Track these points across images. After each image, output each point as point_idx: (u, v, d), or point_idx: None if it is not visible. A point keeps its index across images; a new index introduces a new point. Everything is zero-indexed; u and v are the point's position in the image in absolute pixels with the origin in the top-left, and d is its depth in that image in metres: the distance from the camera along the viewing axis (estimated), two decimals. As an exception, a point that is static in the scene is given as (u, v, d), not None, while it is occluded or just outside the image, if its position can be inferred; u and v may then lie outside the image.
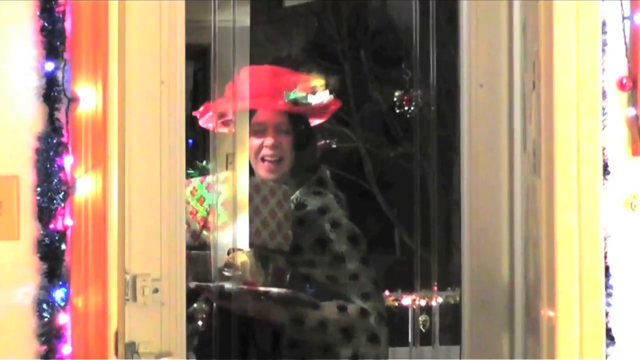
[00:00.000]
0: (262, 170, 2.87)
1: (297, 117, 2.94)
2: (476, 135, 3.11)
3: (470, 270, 3.12)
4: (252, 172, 2.91)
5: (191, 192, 2.80)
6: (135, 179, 2.20)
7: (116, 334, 1.86)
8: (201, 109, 2.94)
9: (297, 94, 2.92)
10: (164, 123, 2.40)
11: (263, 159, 2.87)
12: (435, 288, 3.66)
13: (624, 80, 1.97)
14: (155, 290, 2.24)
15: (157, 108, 2.37)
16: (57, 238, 1.84)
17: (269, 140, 2.86)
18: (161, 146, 2.39)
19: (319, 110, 2.98)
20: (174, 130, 2.41)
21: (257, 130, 2.88)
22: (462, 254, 3.14)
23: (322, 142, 5.22)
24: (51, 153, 1.84)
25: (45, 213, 1.85)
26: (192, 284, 2.65)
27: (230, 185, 2.85)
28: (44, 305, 1.84)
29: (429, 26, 3.52)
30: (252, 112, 2.90)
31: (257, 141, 2.87)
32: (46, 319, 1.84)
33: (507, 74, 3.07)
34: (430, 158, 3.65)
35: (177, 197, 2.40)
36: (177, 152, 2.40)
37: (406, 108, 5.07)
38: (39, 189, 1.85)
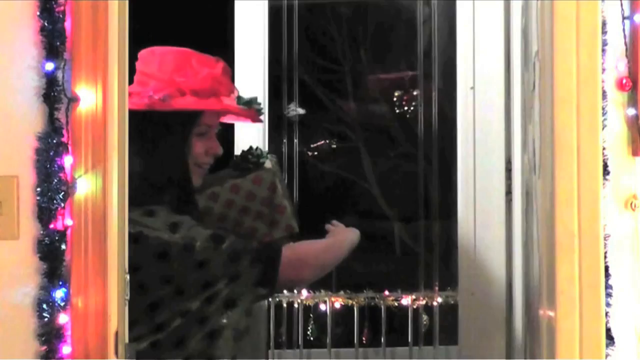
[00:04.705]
0: (195, 177, 2.45)
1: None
2: (472, 136, 3.12)
3: (467, 270, 3.13)
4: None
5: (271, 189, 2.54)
6: (135, 179, 2.19)
7: (116, 334, 1.86)
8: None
9: (249, 99, 2.56)
10: (164, 123, 2.39)
11: (199, 165, 2.46)
12: (437, 288, 3.66)
13: (624, 80, 1.97)
14: (155, 290, 2.24)
15: (157, 108, 2.37)
16: (57, 238, 1.84)
17: (216, 149, 2.48)
18: (161, 146, 2.39)
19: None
20: (174, 130, 2.41)
21: (200, 133, 2.44)
22: (458, 254, 3.15)
23: (322, 142, 5.22)
24: (51, 153, 1.84)
25: (45, 213, 1.84)
26: None
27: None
28: (44, 305, 1.83)
29: (432, 28, 3.54)
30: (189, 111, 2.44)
31: (201, 146, 2.44)
32: (46, 319, 1.84)
33: (504, 76, 3.08)
34: (432, 158, 3.66)
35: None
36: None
37: (406, 108, 5.07)
38: (39, 189, 1.85)
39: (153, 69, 2.42)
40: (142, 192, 2.28)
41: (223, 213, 2.49)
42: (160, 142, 2.38)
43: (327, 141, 5.26)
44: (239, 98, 2.52)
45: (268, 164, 2.58)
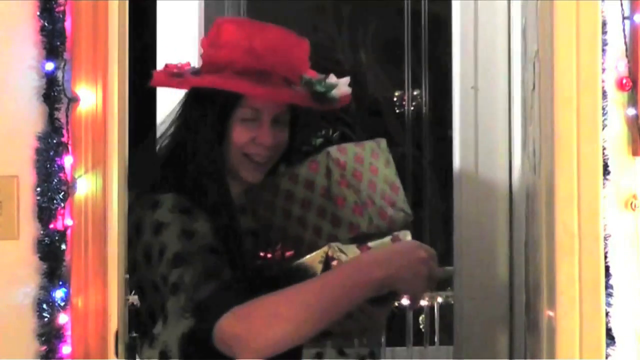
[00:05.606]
0: (246, 171, 2.11)
1: (301, 107, 2.16)
2: (473, 136, 3.13)
3: (464, 270, 3.13)
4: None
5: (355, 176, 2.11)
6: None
7: (116, 334, 1.86)
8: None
9: (312, 79, 2.14)
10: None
11: (248, 157, 2.11)
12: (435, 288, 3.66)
13: (624, 80, 1.97)
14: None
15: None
16: (57, 238, 1.84)
17: (265, 138, 2.10)
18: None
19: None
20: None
21: (247, 119, 2.10)
22: (454, 255, 3.15)
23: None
24: (51, 153, 1.84)
25: (45, 213, 1.84)
26: None
27: None
28: (44, 305, 1.83)
29: (421, 27, 3.54)
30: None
31: (245, 133, 2.09)
32: (46, 319, 1.84)
33: (505, 75, 3.09)
34: (427, 157, 3.66)
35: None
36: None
37: (406, 108, 5.08)
38: (39, 189, 1.85)
39: (203, 40, 2.13)
40: (159, 176, 2.08)
41: (285, 208, 2.09)
42: (191, 122, 2.09)
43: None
44: (301, 78, 2.12)
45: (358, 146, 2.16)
